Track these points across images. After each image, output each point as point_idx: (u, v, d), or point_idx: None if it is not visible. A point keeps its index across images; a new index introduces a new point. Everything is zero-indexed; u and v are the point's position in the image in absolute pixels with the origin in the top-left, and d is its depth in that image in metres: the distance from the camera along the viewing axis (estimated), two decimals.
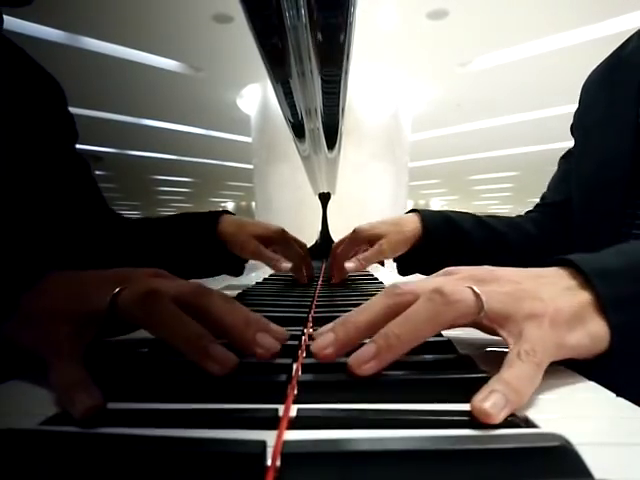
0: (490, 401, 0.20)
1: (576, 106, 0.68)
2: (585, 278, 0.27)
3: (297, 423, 0.19)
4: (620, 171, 0.54)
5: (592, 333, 0.26)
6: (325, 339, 0.25)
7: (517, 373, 0.22)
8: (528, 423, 0.20)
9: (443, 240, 0.62)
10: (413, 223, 0.64)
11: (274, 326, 0.28)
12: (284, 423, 0.19)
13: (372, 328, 0.25)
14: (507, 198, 13.66)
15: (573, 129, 0.69)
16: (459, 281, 0.27)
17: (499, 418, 0.19)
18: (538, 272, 0.29)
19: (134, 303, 0.26)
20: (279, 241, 0.66)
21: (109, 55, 3.73)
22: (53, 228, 0.50)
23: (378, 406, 0.21)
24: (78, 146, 0.62)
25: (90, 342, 0.27)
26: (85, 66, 3.88)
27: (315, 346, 0.25)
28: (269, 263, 0.64)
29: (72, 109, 0.60)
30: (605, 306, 0.26)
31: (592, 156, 0.61)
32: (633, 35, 0.59)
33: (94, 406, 0.20)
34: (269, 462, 0.16)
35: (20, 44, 0.52)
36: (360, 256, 0.65)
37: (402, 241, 0.63)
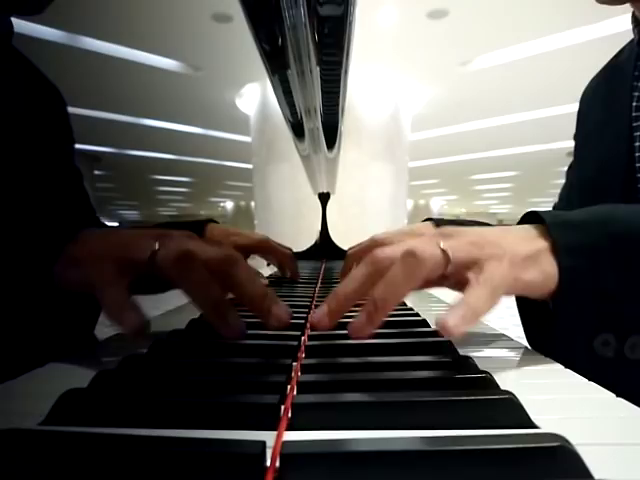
0: (451, 319, 0.25)
1: (576, 105, 0.69)
2: (546, 228, 0.31)
3: (297, 423, 0.19)
4: (616, 174, 0.55)
5: (544, 271, 0.30)
6: (320, 312, 0.29)
7: (474, 295, 0.27)
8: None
9: None
10: (428, 231, 0.66)
11: (283, 305, 0.31)
12: (283, 423, 0.19)
13: (358, 295, 0.29)
14: (507, 198, 13.66)
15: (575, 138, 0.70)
16: (428, 240, 0.30)
17: (459, 332, 0.25)
18: (502, 227, 0.33)
19: (170, 261, 0.28)
20: (264, 249, 0.69)
21: (108, 55, 3.73)
22: (37, 231, 0.51)
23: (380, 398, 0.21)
24: (78, 146, 0.62)
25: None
26: (84, 66, 3.88)
27: (312, 319, 0.29)
28: None
29: (71, 109, 0.60)
30: (558, 250, 0.30)
31: (590, 160, 0.63)
32: (626, 45, 0.61)
33: (138, 323, 0.25)
34: (268, 462, 0.16)
35: (20, 44, 0.53)
36: None
37: None
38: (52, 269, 0.30)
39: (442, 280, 0.33)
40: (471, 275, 0.28)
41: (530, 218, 0.34)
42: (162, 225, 0.66)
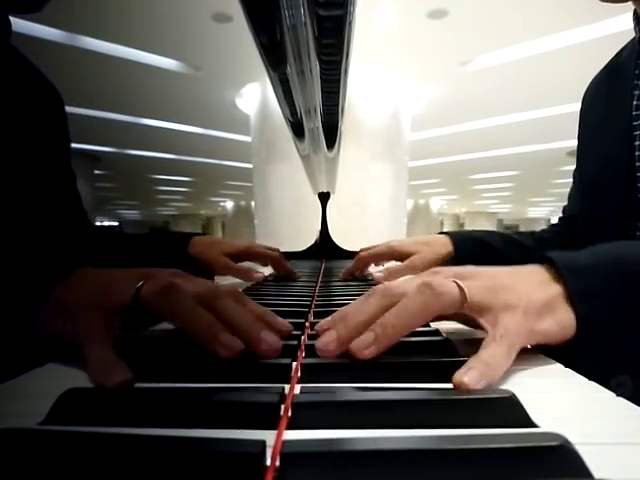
0: (468, 376, 0.23)
1: (576, 105, 0.70)
2: (558, 272, 0.30)
3: (297, 422, 0.19)
4: (617, 173, 0.55)
5: (560, 321, 0.29)
6: (328, 337, 0.27)
7: (492, 352, 0.26)
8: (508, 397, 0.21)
9: (474, 260, 0.67)
10: (444, 245, 0.67)
11: (280, 320, 0.31)
12: (283, 422, 0.19)
13: (369, 325, 0.28)
14: (507, 197, 13.65)
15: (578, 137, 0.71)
16: (445, 277, 0.30)
17: (476, 388, 0.23)
18: (516, 269, 0.32)
19: (156, 295, 0.28)
20: (251, 255, 0.70)
21: (108, 54, 3.72)
22: (29, 234, 0.50)
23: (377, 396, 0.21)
24: (78, 145, 0.63)
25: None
26: (84, 65, 3.87)
27: (319, 343, 0.27)
28: (239, 275, 0.68)
29: (71, 109, 0.61)
30: (573, 298, 0.29)
31: (591, 158, 0.63)
32: (627, 43, 0.61)
33: (124, 380, 0.24)
34: (268, 462, 0.16)
35: (19, 43, 0.52)
36: (391, 269, 0.67)
37: (434, 260, 0.67)
38: (37, 317, 0.29)
39: (453, 317, 0.33)
40: (485, 325, 0.28)
41: (542, 257, 0.33)
42: (151, 235, 0.67)
